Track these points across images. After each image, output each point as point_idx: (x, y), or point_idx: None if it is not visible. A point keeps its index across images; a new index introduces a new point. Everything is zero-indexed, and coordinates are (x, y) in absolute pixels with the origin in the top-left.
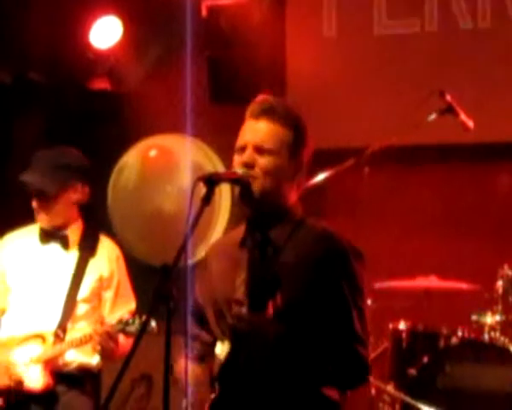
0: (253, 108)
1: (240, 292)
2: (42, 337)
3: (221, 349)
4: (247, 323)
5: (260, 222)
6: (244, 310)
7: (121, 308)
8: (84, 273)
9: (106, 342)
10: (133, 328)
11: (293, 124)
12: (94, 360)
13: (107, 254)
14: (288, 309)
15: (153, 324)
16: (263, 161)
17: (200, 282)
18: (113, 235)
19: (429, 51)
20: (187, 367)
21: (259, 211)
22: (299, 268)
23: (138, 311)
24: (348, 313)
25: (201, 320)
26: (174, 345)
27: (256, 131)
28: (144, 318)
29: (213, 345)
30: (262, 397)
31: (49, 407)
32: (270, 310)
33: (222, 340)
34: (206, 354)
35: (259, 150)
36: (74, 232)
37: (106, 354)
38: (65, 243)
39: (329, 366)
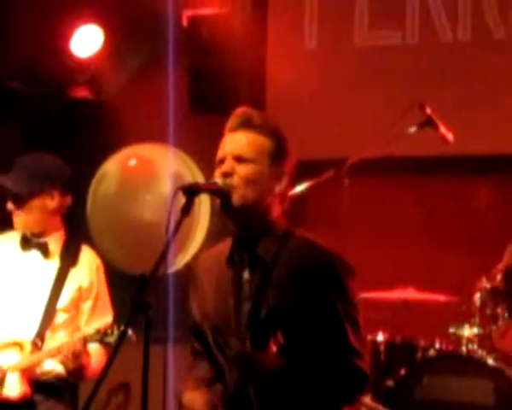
0: (231, 121)
1: (235, 323)
2: (19, 345)
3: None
4: (250, 362)
5: (246, 238)
6: (247, 346)
7: (98, 320)
8: (64, 282)
9: (75, 358)
10: (111, 339)
11: (272, 133)
12: None
13: (88, 265)
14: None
15: (130, 332)
16: (242, 170)
17: (193, 299)
18: (92, 244)
19: (410, 63)
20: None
21: (241, 222)
22: (290, 285)
23: (116, 320)
24: (342, 328)
25: (196, 333)
26: (152, 355)
27: (235, 141)
28: (122, 328)
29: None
30: None
31: None
32: (273, 348)
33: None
34: (213, 376)
35: (238, 159)
36: (55, 241)
37: (74, 371)
38: (45, 251)
39: (329, 385)
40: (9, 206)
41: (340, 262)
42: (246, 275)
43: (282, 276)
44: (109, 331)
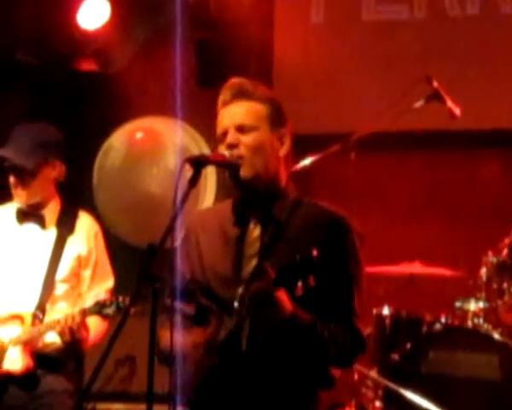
0: (224, 94)
1: (236, 278)
2: (20, 318)
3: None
4: (269, 294)
5: (258, 202)
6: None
7: (99, 286)
8: (62, 253)
9: (71, 332)
10: (110, 310)
11: (267, 99)
12: None
13: (85, 231)
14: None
15: (127, 301)
16: (247, 139)
17: (185, 256)
18: (97, 215)
19: (417, 38)
20: (173, 333)
21: (253, 191)
22: (303, 244)
23: (119, 291)
24: (349, 288)
25: (185, 295)
26: (157, 328)
27: (233, 113)
28: (121, 299)
29: (197, 318)
30: (263, 377)
31: (29, 390)
32: (300, 290)
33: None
34: (192, 326)
35: (241, 129)
36: (52, 210)
37: (71, 344)
38: (42, 223)
39: (329, 343)
40: (11, 179)
41: (352, 224)
42: (256, 232)
43: (295, 233)
44: (108, 303)
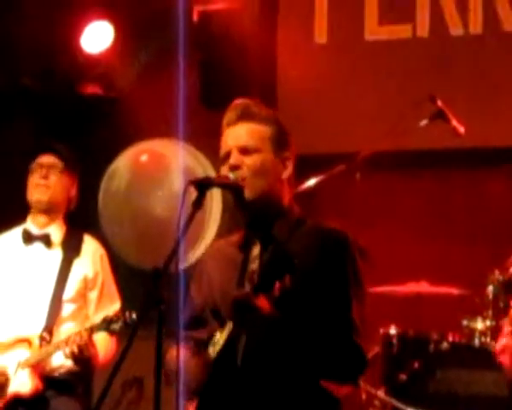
0: (228, 115)
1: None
2: (28, 341)
3: (218, 336)
4: (248, 298)
5: (260, 223)
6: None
7: (106, 308)
8: (68, 273)
9: (80, 350)
10: (117, 326)
11: (272, 120)
12: None
13: (91, 254)
14: (292, 298)
15: (133, 316)
16: (249, 161)
17: (196, 282)
18: (102, 238)
19: (420, 57)
20: (179, 355)
21: (255, 213)
22: (303, 259)
23: (122, 309)
24: (348, 304)
25: (197, 322)
26: (165, 349)
27: (237, 134)
28: (128, 314)
29: (207, 343)
30: (259, 389)
31: None
32: (277, 291)
33: (221, 328)
34: (200, 350)
35: (244, 151)
36: (57, 230)
37: (81, 362)
38: (48, 242)
39: (327, 357)
40: (42, 172)
41: (354, 243)
42: (255, 251)
43: (295, 251)
44: (114, 319)
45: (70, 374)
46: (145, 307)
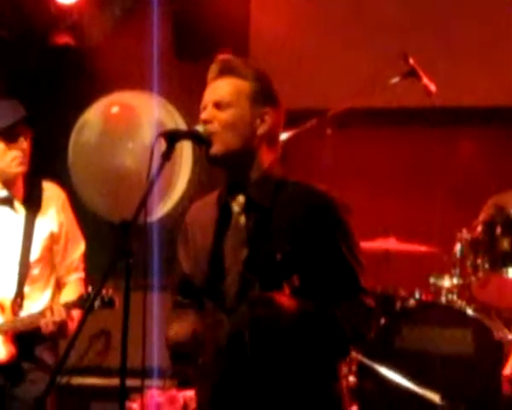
0: (211, 70)
1: (240, 266)
2: (0, 306)
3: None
4: (265, 305)
5: (239, 183)
6: (257, 289)
7: (72, 253)
8: (32, 233)
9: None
10: (94, 304)
11: (253, 76)
12: None
13: (54, 205)
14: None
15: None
16: (221, 115)
17: (183, 251)
18: (73, 193)
19: (394, 14)
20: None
21: (229, 168)
22: (292, 230)
23: (93, 267)
24: (348, 267)
25: (186, 286)
26: (133, 302)
27: (215, 89)
28: (105, 292)
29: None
30: (270, 380)
31: (13, 381)
32: (287, 291)
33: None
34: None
35: (218, 106)
36: (18, 186)
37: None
38: (11, 204)
39: (345, 328)
40: (24, 144)
41: (339, 202)
42: (242, 220)
43: (283, 220)
44: (85, 296)
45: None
46: (113, 259)
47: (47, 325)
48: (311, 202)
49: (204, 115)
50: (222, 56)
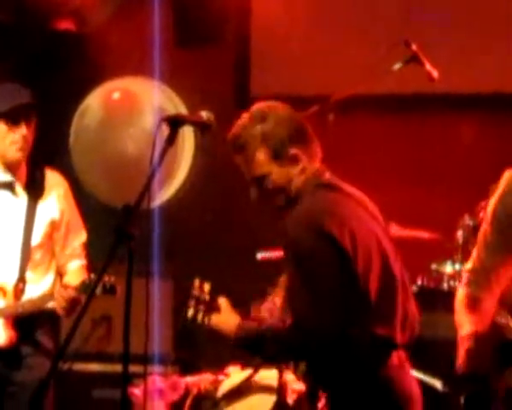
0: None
1: None
2: (2, 291)
3: None
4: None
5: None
6: None
7: (73, 242)
8: (34, 219)
9: (71, 303)
10: (96, 291)
11: (262, 137)
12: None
13: (55, 193)
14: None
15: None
16: (264, 188)
17: None
18: (75, 179)
19: (395, 1)
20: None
21: None
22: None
23: (94, 251)
24: (294, 292)
25: None
26: (134, 287)
27: (243, 168)
28: (107, 279)
29: None
30: None
31: (12, 366)
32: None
33: None
34: None
35: (254, 183)
36: (21, 174)
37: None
38: (13, 189)
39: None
40: (24, 130)
41: (302, 233)
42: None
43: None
44: (93, 283)
45: (39, 311)
46: (115, 243)
47: (61, 300)
48: (286, 241)
49: (252, 197)
50: (229, 133)
